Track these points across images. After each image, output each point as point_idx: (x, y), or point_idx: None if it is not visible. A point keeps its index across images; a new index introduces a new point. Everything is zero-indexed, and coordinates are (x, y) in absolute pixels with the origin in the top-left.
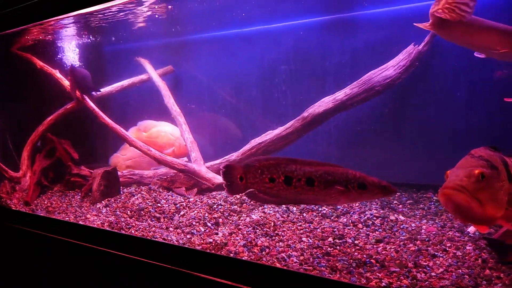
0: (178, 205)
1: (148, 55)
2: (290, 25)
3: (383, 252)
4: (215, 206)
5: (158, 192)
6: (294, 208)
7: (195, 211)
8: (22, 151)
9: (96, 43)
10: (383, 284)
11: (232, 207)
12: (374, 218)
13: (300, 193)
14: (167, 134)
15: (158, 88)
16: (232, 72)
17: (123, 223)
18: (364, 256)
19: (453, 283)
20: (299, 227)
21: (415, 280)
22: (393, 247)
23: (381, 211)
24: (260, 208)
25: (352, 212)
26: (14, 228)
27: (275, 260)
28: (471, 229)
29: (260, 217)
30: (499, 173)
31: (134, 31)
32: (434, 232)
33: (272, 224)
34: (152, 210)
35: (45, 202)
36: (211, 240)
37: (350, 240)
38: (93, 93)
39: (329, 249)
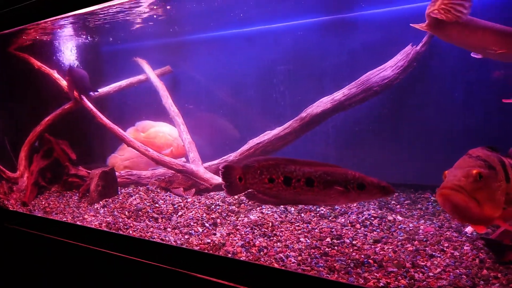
0: (176, 206)
1: (146, 55)
2: (288, 25)
3: (381, 252)
4: (213, 206)
5: (156, 192)
6: (292, 209)
7: (193, 212)
8: (20, 152)
9: (94, 43)
10: (381, 284)
11: (230, 208)
12: (372, 218)
13: (299, 193)
14: (165, 134)
15: (156, 88)
16: (230, 73)
17: (121, 224)
18: (362, 256)
19: (451, 283)
20: (297, 228)
21: (413, 280)
22: (391, 247)
23: (379, 212)
24: (258, 208)
25: (350, 213)
26: (12, 228)
27: (273, 261)
28: (469, 229)
29: (258, 217)
30: (496, 173)
31: (132, 31)
32: (431, 232)
33: (270, 224)
34: (150, 211)
35: (43, 202)
36: (209, 241)
37: (348, 241)
38: (91, 93)
39: (327, 249)
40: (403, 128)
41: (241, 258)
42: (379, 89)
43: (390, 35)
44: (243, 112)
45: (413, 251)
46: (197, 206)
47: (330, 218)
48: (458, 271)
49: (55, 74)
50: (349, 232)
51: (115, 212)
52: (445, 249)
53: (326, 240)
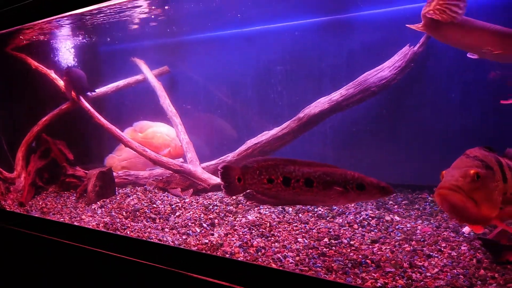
0: (173, 206)
1: (144, 55)
2: (286, 26)
3: (379, 252)
4: (210, 206)
5: (154, 193)
6: (290, 209)
7: (191, 212)
8: (17, 152)
9: (91, 43)
10: (379, 284)
11: (228, 208)
12: (370, 218)
13: (298, 194)
14: (163, 134)
15: (153, 88)
16: (228, 73)
17: (119, 224)
18: (360, 256)
19: (448, 283)
20: (294, 228)
21: (410, 280)
22: (388, 247)
23: (376, 212)
24: (256, 208)
25: (347, 213)
26: (9, 229)
27: (271, 261)
28: (466, 229)
29: (256, 217)
30: (494, 173)
31: (129, 31)
32: (429, 233)
33: (268, 224)
34: (147, 211)
35: (40, 203)
36: (206, 241)
37: (345, 241)
38: (88, 93)
39: (324, 249)
40: (401, 129)
41: (239, 259)
42: (376, 89)
43: (388, 36)
44: (241, 112)
45: (410, 251)
46: (195, 206)
47: (328, 218)
48: (455, 271)
49: (52, 74)
50: (347, 233)
51: (113, 213)
52: (442, 249)
53: (324, 240)
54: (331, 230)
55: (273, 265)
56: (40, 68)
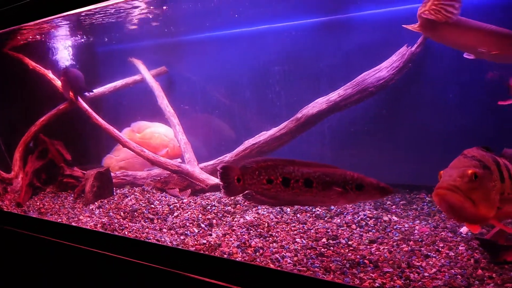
0: (171, 206)
1: (142, 55)
2: (284, 26)
3: (377, 252)
4: (208, 207)
5: (152, 193)
6: (288, 209)
7: (189, 212)
8: (14, 152)
9: (89, 44)
10: (377, 284)
11: (226, 208)
12: (368, 218)
13: (298, 194)
14: (161, 135)
15: (151, 89)
16: (225, 73)
17: (116, 225)
18: (358, 256)
19: (446, 283)
20: (293, 228)
21: (408, 281)
22: (386, 247)
23: (374, 212)
24: (254, 209)
25: (345, 213)
26: (6, 230)
27: (269, 261)
28: (464, 229)
29: (254, 218)
30: (491, 173)
31: (127, 31)
32: (427, 233)
33: (266, 225)
34: (145, 211)
35: (37, 203)
36: (204, 241)
37: (343, 241)
38: (86, 93)
39: (322, 250)
40: (399, 129)
41: (237, 259)
42: (374, 89)
43: (386, 36)
44: (238, 112)
45: (408, 252)
46: (193, 206)
47: (325, 218)
48: (453, 271)
49: (50, 74)
50: (344, 233)
51: (111, 213)
52: (440, 249)
53: (322, 240)
54: (329, 230)
55: (271, 266)
56: (38, 68)
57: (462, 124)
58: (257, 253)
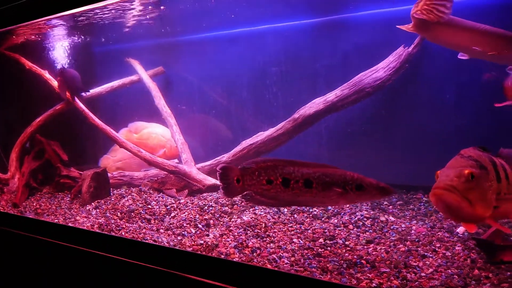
0: (168, 207)
1: (139, 56)
2: (281, 26)
3: (374, 253)
4: (206, 207)
5: (149, 193)
6: (285, 209)
7: (186, 213)
8: (11, 153)
9: (86, 44)
10: (374, 284)
11: (223, 209)
12: (365, 219)
13: (298, 195)
14: (158, 135)
15: (148, 89)
16: (222, 74)
17: (113, 225)
18: (355, 257)
19: (443, 283)
20: (290, 228)
21: (405, 281)
22: (383, 247)
23: (371, 212)
24: (251, 209)
25: (342, 213)
26: (2, 230)
27: (266, 261)
28: (460, 229)
29: (251, 218)
30: (488, 173)
31: (124, 32)
32: (423, 233)
33: (263, 225)
34: (142, 212)
35: (34, 204)
36: (202, 242)
37: (341, 241)
38: (83, 94)
39: (320, 250)
40: (395, 129)
41: (234, 259)
42: (371, 90)
43: (382, 37)
44: (236, 113)
45: (405, 252)
46: (190, 207)
47: (323, 219)
48: (450, 271)
49: (46, 75)
50: (342, 233)
51: (107, 214)
52: (437, 249)
53: (319, 241)
54: (326, 230)
55: (268, 266)
56: (34, 68)
57: (459, 124)
58: (254, 254)
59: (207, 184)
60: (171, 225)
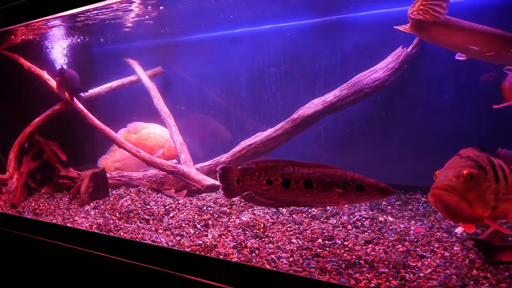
0: (167, 207)
1: (137, 56)
2: (280, 27)
3: (372, 253)
4: (204, 207)
5: (147, 194)
6: (284, 210)
7: (185, 213)
8: (9, 153)
9: (84, 44)
10: (372, 285)
11: (222, 209)
12: (363, 219)
13: (298, 195)
14: (157, 136)
15: (147, 89)
16: (221, 74)
17: (112, 225)
18: (354, 257)
19: (441, 283)
20: (288, 229)
21: (403, 281)
22: (382, 248)
23: (370, 213)
24: (249, 209)
25: (341, 214)
26: (1, 231)
27: (265, 262)
28: (459, 230)
29: (249, 218)
30: (486, 173)
31: (123, 32)
32: (422, 233)
33: (262, 225)
34: (141, 212)
35: (32, 204)
36: (200, 242)
37: (339, 241)
38: (81, 94)
39: (318, 250)
40: (394, 129)
41: (233, 260)
42: (370, 90)
43: (381, 37)
44: (234, 113)
45: (403, 252)
46: (189, 207)
47: (321, 219)
48: (448, 271)
49: (45, 75)
50: (340, 233)
51: (106, 214)
52: (435, 249)
53: (318, 241)
54: (325, 231)
55: (267, 266)
56: (33, 68)
57: (457, 124)
58: (253, 254)
59: (206, 185)
60: (170, 226)
